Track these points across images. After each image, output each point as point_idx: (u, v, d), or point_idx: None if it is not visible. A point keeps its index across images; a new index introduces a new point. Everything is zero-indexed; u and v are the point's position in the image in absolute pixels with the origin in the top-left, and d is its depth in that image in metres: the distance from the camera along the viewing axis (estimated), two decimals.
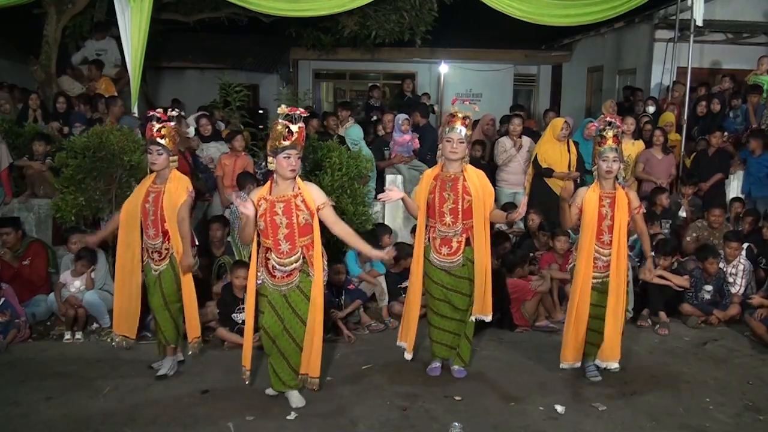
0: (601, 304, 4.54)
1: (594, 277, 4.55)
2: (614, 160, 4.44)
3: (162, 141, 4.40)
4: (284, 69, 14.24)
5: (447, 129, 4.45)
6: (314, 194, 4.07)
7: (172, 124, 4.49)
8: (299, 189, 4.04)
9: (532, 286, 5.85)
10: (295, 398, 4.23)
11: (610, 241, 4.48)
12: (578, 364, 4.70)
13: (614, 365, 4.52)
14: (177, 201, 4.45)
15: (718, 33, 10.50)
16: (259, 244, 4.12)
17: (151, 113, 4.51)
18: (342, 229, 4.18)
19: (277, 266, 4.02)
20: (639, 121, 8.47)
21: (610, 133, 4.46)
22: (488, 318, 4.65)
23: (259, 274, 4.13)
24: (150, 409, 4.16)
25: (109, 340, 5.11)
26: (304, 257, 4.05)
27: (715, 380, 4.77)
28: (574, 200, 4.59)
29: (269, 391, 4.34)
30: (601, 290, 4.57)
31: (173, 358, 4.77)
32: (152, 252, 4.56)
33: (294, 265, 4.03)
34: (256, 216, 3.98)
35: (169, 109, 4.60)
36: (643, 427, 4.07)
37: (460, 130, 4.42)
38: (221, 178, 7.00)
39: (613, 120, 4.53)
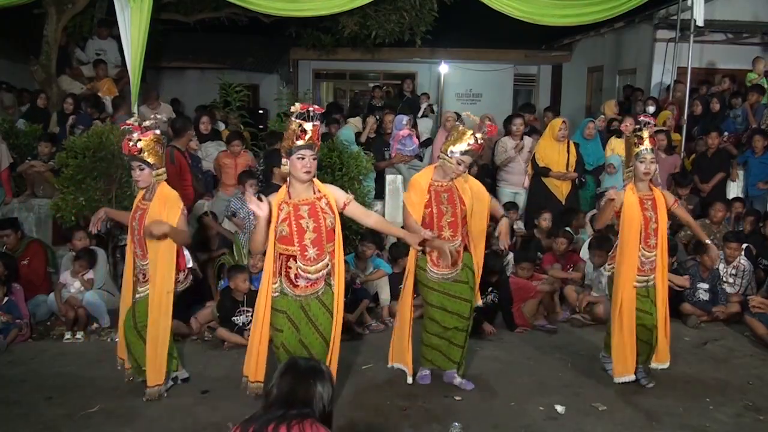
0: (647, 309, 4.50)
1: (637, 281, 4.47)
2: (651, 161, 4.37)
3: (142, 155, 4.04)
4: (284, 69, 14.24)
5: (457, 146, 4.15)
6: (336, 194, 3.81)
7: (151, 135, 4.07)
8: (320, 191, 3.76)
9: (540, 287, 5.85)
10: None
11: (656, 243, 4.45)
12: (633, 377, 4.53)
13: (666, 365, 4.66)
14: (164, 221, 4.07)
15: (718, 33, 10.50)
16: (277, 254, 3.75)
17: (127, 125, 4.16)
18: (376, 221, 4.09)
19: (302, 274, 3.67)
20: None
21: (646, 134, 4.37)
22: (479, 302, 4.61)
23: (275, 286, 3.74)
24: (150, 409, 4.15)
25: (109, 340, 5.22)
26: (328, 265, 3.74)
27: (715, 380, 4.77)
28: (614, 203, 4.44)
29: None
30: (644, 294, 4.50)
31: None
32: (139, 273, 4.27)
33: (321, 272, 3.70)
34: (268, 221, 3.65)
35: (151, 118, 4.21)
36: (643, 427, 4.07)
37: (472, 154, 4.21)
38: (221, 178, 6.98)
39: (649, 120, 4.44)
